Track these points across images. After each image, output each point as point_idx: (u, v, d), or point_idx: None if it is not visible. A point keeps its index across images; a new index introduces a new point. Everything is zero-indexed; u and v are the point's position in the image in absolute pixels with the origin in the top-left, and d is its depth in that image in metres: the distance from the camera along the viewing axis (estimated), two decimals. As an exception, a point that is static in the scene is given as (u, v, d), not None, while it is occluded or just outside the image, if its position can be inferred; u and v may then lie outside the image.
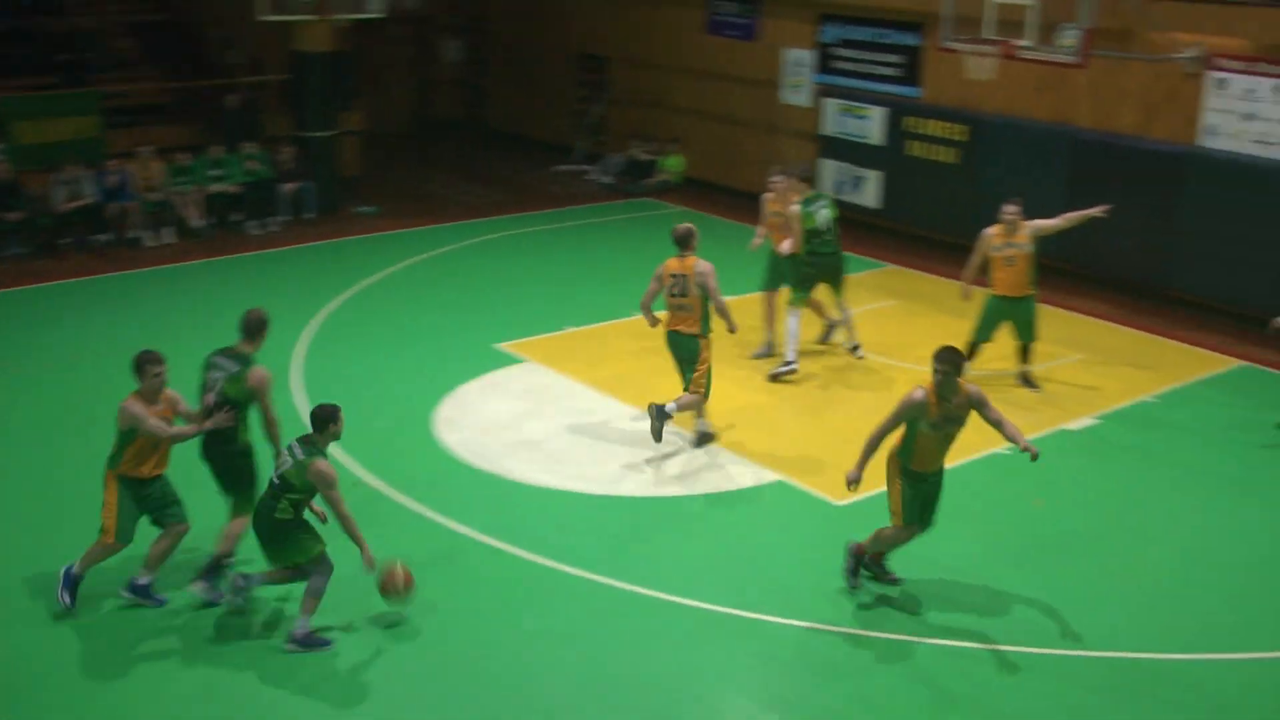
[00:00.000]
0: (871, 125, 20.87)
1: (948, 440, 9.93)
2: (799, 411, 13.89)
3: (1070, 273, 17.95)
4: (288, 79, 22.18)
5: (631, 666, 9.31)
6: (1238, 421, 14.01)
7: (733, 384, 14.59)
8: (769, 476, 12.34)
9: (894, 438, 9.98)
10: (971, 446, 13.03)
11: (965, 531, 11.37)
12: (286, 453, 9.30)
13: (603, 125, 26.64)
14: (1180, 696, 9.08)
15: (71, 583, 9.73)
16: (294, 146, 21.28)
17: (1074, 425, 13.78)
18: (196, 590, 9.85)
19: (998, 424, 9.80)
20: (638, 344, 15.65)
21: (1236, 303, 16.96)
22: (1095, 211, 14.32)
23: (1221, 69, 16.91)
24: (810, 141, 22.03)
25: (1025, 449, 9.60)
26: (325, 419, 9.30)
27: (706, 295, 12.33)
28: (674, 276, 12.48)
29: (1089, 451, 13.24)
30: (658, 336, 15.35)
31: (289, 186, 21.03)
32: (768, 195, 15.45)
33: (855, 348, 15.26)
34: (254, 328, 9.89)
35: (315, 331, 16.05)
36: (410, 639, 9.53)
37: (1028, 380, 14.63)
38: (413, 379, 14.60)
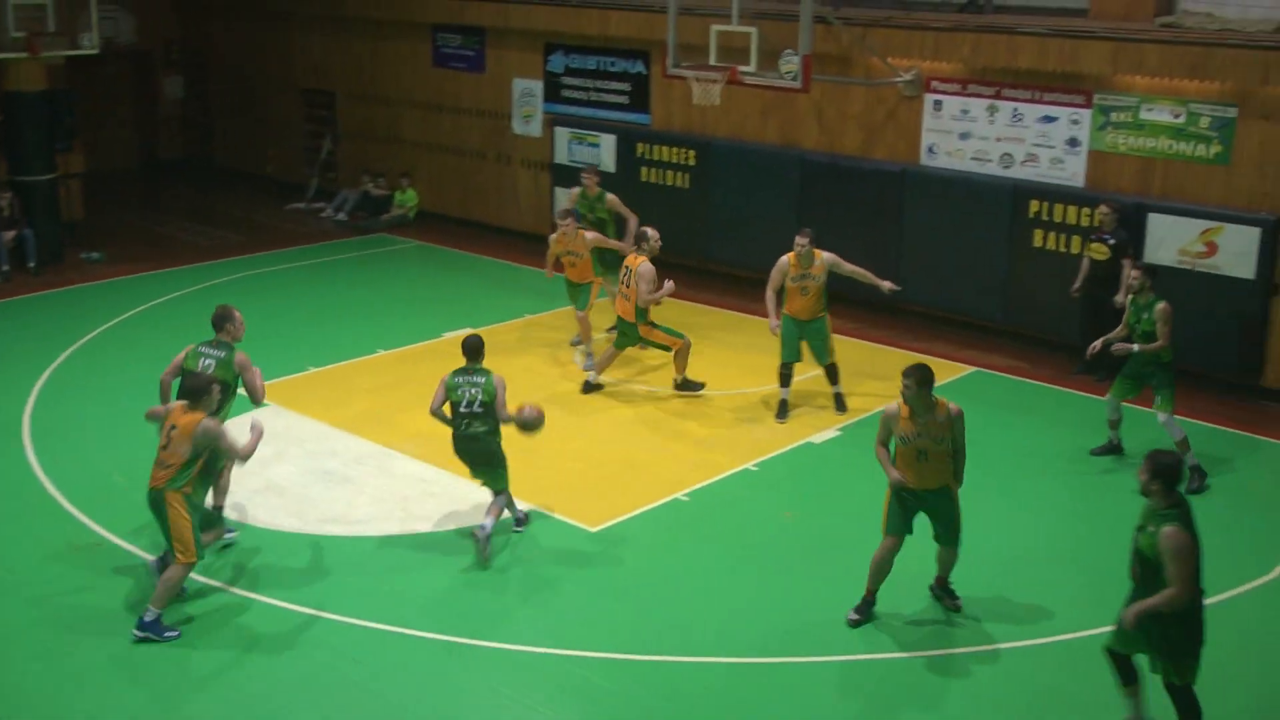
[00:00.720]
0: (603, 153, 21.06)
1: (924, 457, 10.00)
2: (546, 440, 13.87)
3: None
4: (0, 121, 21.20)
5: (393, 707, 9.15)
6: (973, 423, 14.51)
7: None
8: (521, 507, 12.29)
9: None
10: (717, 467, 13.29)
11: (723, 546, 11.54)
12: (467, 384, 11.18)
13: (333, 161, 26.24)
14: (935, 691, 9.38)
15: (159, 627, 9.98)
16: (10, 192, 20.30)
17: (818, 438, 14.12)
18: None
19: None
20: (378, 381, 15.47)
21: (962, 312, 17.64)
22: (884, 286, 14.81)
23: (937, 91, 17.60)
24: (543, 171, 22.11)
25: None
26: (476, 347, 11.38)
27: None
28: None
29: (835, 461, 13.58)
30: (398, 374, 15.21)
31: (8, 235, 20.02)
32: (554, 236, 16.06)
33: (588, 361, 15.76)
34: (220, 320, 11.44)
35: (45, 385, 15.34)
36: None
37: (839, 401, 14.95)
38: (150, 430, 14.01)
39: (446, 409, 11.41)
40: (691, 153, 19.91)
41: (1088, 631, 10.11)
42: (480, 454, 11.45)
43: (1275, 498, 12.84)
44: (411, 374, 15.72)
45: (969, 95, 17.32)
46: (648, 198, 20.39)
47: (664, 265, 18.33)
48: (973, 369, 16.38)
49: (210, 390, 10.22)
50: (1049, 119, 16.66)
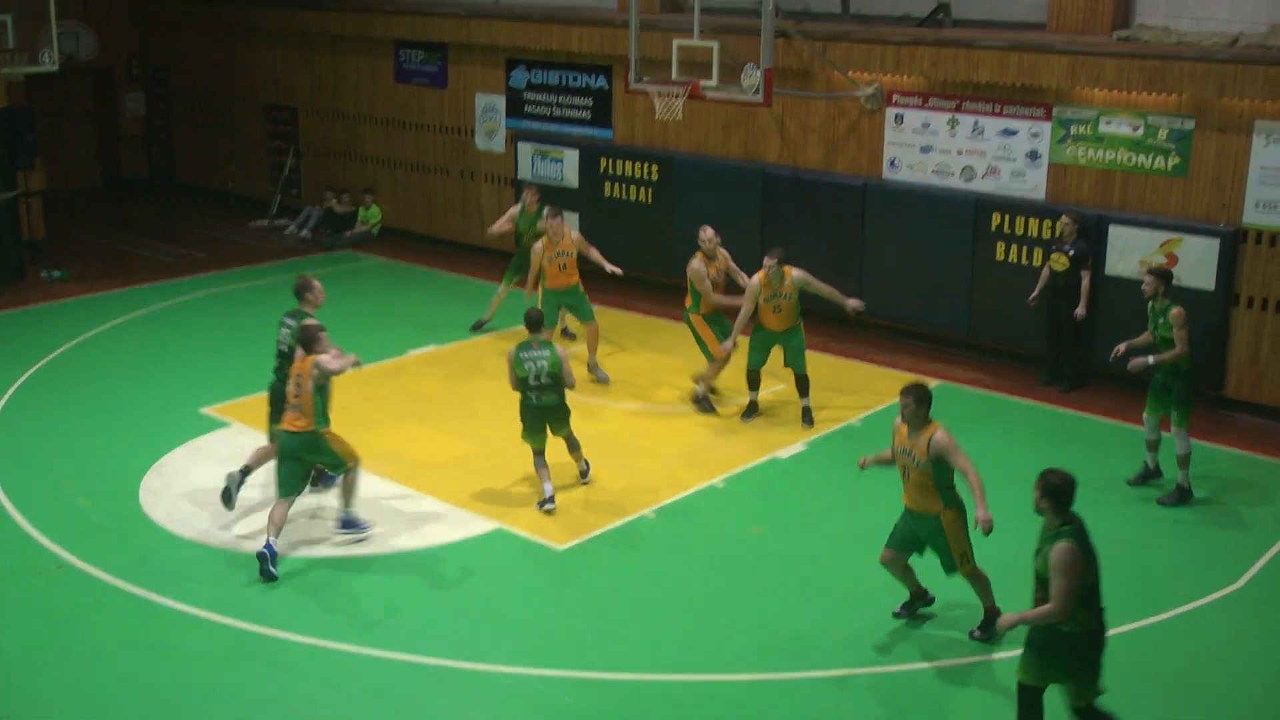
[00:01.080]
0: (566, 168, 21.08)
1: (906, 475, 10.07)
2: (513, 458, 13.88)
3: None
4: (-40, 139, 21.08)
5: (366, 731, 9.15)
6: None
7: (446, 435, 14.52)
8: (488, 526, 12.29)
9: None
10: (684, 483, 13.31)
11: (691, 563, 11.57)
12: (533, 358, 12.32)
13: (296, 177, 26.17)
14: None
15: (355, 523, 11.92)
16: (-30, 210, 20.21)
17: (784, 453, 14.16)
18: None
19: (964, 473, 9.86)
20: (344, 399, 15.37)
21: (926, 325, 17.73)
22: (850, 305, 14.97)
23: (898, 105, 17.70)
24: (507, 186, 22.12)
25: (977, 520, 9.66)
26: (536, 320, 12.67)
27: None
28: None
29: (802, 476, 13.63)
30: (363, 392, 15.20)
31: (-33, 253, 19.96)
32: (538, 246, 16.30)
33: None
34: (300, 289, 12.55)
35: (6, 406, 15.24)
36: (130, 724, 9.16)
37: (807, 415, 14.99)
38: (114, 451, 14.02)
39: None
40: (654, 167, 19.95)
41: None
42: (557, 421, 12.71)
43: (1238, 508, 12.94)
44: (376, 392, 15.70)
45: (930, 109, 17.43)
46: (611, 213, 20.45)
47: (628, 281, 18.42)
48: (937, 382, 16.44)
49: (319, 338, 11.50)
50: (1009, 132, 16.78)
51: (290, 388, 11.51)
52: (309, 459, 11.61)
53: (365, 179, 24.58)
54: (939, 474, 9.93)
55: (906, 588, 10.64)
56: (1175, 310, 12.67)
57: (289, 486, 11.56)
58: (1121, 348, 13.17)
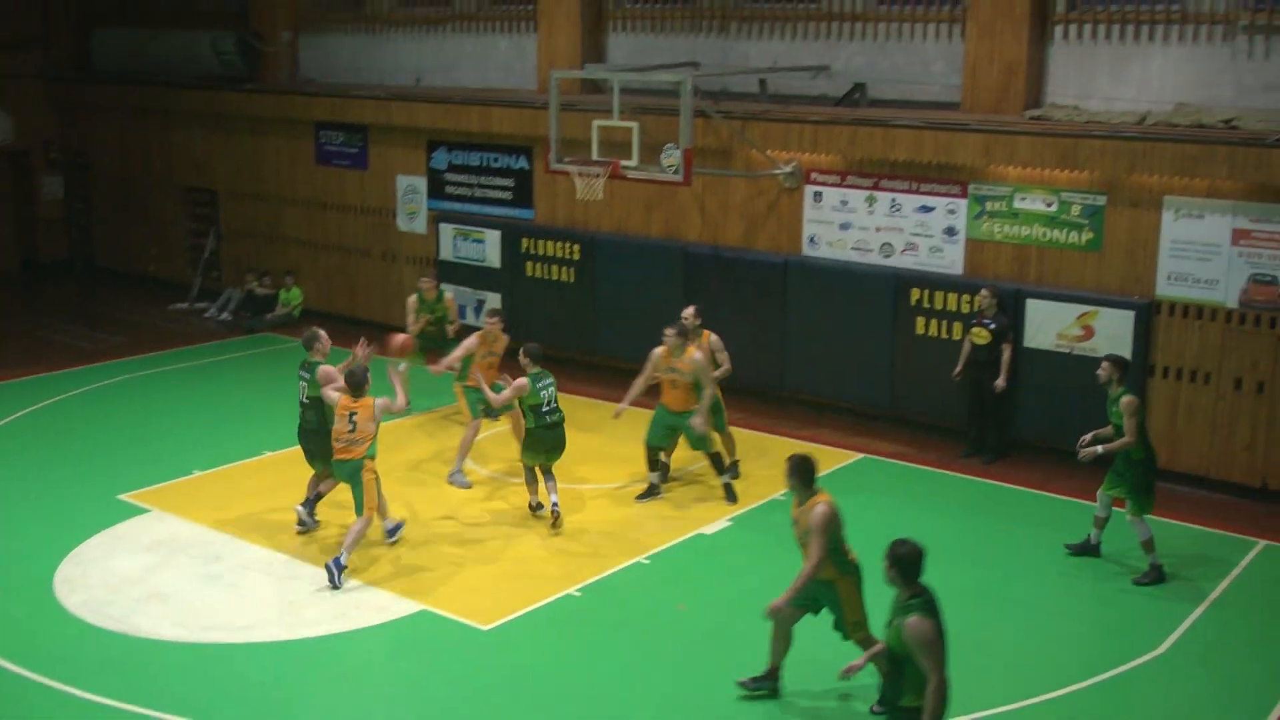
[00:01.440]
0: (488, 248, 21.10)
1: (800, 543, 9.98)
2: (436, 540, 13.77)
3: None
4: None
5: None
6: (860, 509, 14.67)
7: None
8: (411, 607, 12.15)
9: None
10: (609, 561, 13.26)
11: (617, 641, 11.48)
12: (546, 386, 13.85)
13: (216, 260, 26.01)
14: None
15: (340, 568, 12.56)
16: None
17: (709, 529, 14.15)
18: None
19: (806, 559, 9.84)
20: (265, 483, 15.26)
21: (848, 399, 17.84)
22: (694, 423, 14.53)
23: (817, 183, 17.89)
24: (429, 268, 22.09)
25: (768, 608, 9.76)
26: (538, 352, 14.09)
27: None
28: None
29: (727, 551, 13.60)
30: (285, 475, 15.06)
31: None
32: (472, 340, 15.52)
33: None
34: (309, 340, 13.75)
35: (-85, 495, 14.97)
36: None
37: (729, 491, 14.98)
38: (27, 540, 13.72)
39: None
40: (576, 247, 20.02)
41: (996, 709, 10.19)
42: (561, 439, 13.95)
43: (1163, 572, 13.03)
44: (299, 475, 15.47)
45: (848, 186, 17.63)
46: (534, 293, 20.47)
47: (549, 360, 18.38)
48: (860, 455, 16.54)
49: (367, 379, 12.94)
50: (926, 209, 17.01)
51: (342, 426, 12.80)
52: (347, 479, 12.94)
53: (286, 261, 24.47)
54: (810, 540, 9.87)
55: (771, 656, 10.50)
56: (1126, 399, 12.62)
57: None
58: (1087, 438, 12.97)
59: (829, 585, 10.07)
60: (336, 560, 12.53)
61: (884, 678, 8.30)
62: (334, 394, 13.03)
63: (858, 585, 10.10)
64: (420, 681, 10.90)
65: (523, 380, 13.76)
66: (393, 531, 13.58)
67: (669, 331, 14.53)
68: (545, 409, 13.76)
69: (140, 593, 12.37)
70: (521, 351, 13.95)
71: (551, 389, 13.87)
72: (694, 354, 14.51)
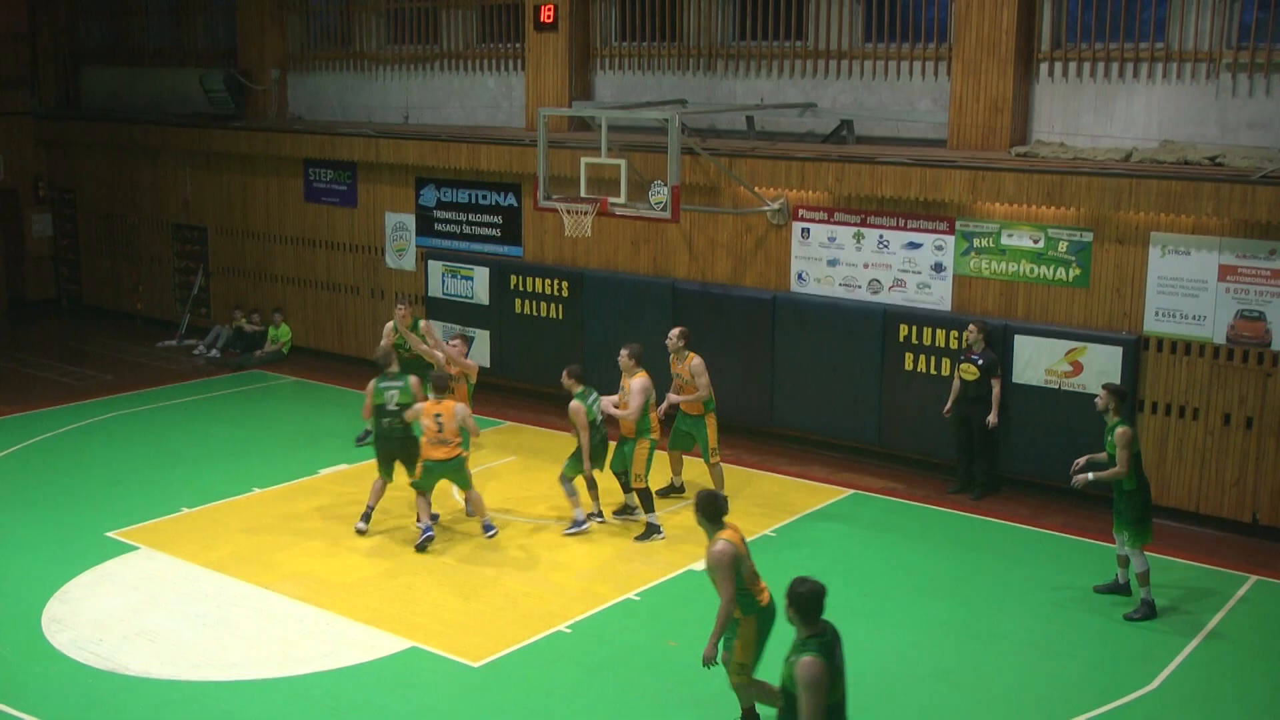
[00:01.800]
0: (477, 285, 21.12)
1: (714, 584, 9.81)
2: (425, 575, 13.75)
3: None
4: None
5: None
6: (851, 544, 14.70)
7: (356, 554, 14.35)
8: (400, 644, 12.11)
9: None
10: (599, 597, 13.23)
11: (607, 678, 11.45)
12: (595, 401, 14.81)
13: (205, 297, 26.00)
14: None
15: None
16: None
17: (700, 565, 14.10)
18: None
19: (720, 595, 9.67)
20: (254, 520, 15.22)
21: (837, 435, 17.85)
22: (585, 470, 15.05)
23: (804, 219, 17.95)
24: (418, 305, 22.10)
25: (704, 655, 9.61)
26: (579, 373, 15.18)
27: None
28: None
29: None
30: (274, 513, 15.01)
31: None
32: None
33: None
34: (385, 357, 15.26)
35: (-100, 533, 14.90)
36: None
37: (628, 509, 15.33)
38: (14, 580, 13.65)
39: None
40: (565, 284, 20.05)
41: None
42: (606, 451, 15.09)
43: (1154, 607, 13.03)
44: (287, 512, 15.50)
45: (836, 223, 17.69)
46: (523, 329, 20.49)
47: (540, 395, 18.39)
48: (850, 491, 16.54)
49: (448, 384, 14.87)
50: (914, 245, 17.07)
51: (429, 424, 14.30)
52: (452, 477, 14.52)
53: (275, 298, 24.47)
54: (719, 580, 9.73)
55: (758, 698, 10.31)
56: (1120, 430, 12.61)
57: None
58: (1081, 461, 13.03)
59: (736, 623, 9.88)
60: (486, 523, 14.66)
61: (779, 715, 8.19)
62: (416, 405, 14.60)
63: (758, 628, 9.86)
64: (410, 719, 10.86)
65: (577, 403, 14.68)
66: (489, 527, 14.80)
67: (673, 334, 15.44)
68: (599, 422, 14.84)
69: (128, 631, 12.32)
70: (565, 373, 14.95)
71: (600, 404, 14.89)
72: (696, 359, 15.25)
